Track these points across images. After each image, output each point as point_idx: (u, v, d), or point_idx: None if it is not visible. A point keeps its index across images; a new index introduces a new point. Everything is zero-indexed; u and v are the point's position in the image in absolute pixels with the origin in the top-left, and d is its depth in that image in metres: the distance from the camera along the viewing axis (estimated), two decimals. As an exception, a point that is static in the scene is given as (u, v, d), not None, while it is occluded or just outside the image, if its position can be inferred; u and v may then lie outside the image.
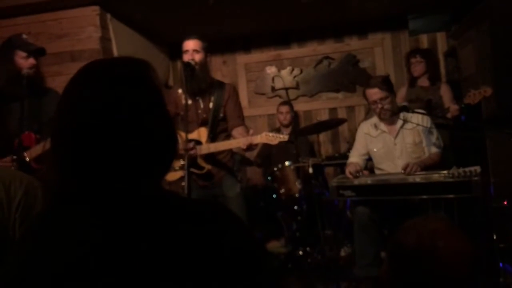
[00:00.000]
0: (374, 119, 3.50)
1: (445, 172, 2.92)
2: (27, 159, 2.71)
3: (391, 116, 3.34)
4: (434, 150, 3.34)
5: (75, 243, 0.81)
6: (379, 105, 3.28)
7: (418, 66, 4.25)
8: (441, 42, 5.28)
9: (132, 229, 0.81)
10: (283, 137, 2.93)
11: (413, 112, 3.30)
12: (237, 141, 3.01)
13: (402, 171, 3.09)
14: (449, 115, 3.68)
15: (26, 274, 0.82)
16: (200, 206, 0.89)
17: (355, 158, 3.54)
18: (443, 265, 1.00)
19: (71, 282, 0.78)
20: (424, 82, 4.24)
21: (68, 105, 0.87)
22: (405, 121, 3.34)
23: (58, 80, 3.53)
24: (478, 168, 2.77)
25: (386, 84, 3.30)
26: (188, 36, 3.15)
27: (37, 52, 2.89)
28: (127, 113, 0.84)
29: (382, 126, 3.43)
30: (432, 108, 3.97)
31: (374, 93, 3.28)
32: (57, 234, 0.84)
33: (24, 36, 2.91)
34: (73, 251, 0.80)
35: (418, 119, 3.35)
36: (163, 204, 0.87)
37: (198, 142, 3.08)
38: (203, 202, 0.92)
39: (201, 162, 3.09)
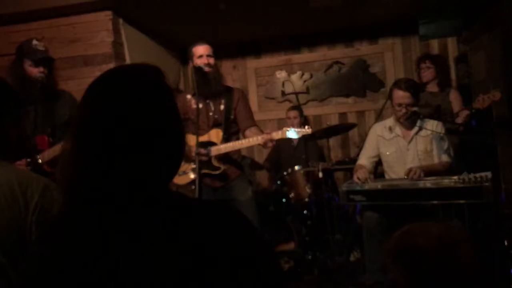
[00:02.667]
0: (389, 122, 3.47)
1: (455, 177, 2.90)
2: (40, 161, 2.74)
3: (409, 122, 3.32)
4: (445, 158, 3.30)
5: (89, 247, 0.82)
6: (404, 110, 3.25)
7: (427, 72, 4.23)
8: (452, 47, 5.26)
9: (146, 232, 0.82)
10: (306, 130, 2.94)
11: (424, 118, 3.29)
12: (255, 138, 3.01)
13: (405, 177, 3.08)
14: (458, 120, 3.67)
15: (41, 277, 0.84)
16: (211, 208, 0.91)
17: (364, 160, 3.52)
18: (464, 260, 1.01)
19: (85, 286, 0.80)
20: (433, 87, 4.23)
21: (86, 111, 0.90)
22: (420, 128, 3.32)
23: (71, 84, 3.57)
24: (489, 174, 2.76)
25: (417, 91, 3.27)
26: (198, 42, 3.19)
27: (44, 61, 2.86)
28: (144, 119, 0.87)
29: (397, 130, 3.40)
30: (441, 114, 3.95)
31: (404, 96, 3.23)
32: (72, 238, 0.85)
33: (35, 42, 2.88)
34: (88, 255, 0.82)
35: (432, 126, 3.33)
36: (176, 206, 0.88)
37: (212, 143, 3.09)
38: (214, 203, 0.94)
39: (215, 162, 3.10)
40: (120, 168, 0.86)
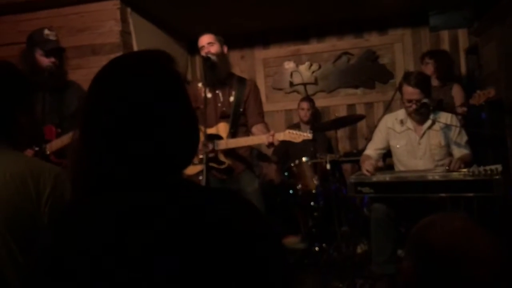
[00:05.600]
0: (401, 114, 3.41)
1: (465, 170, 2.87)
2: (48, 152, 2.74)
3: (420, 115, 3.26)
4: (465, 151, 3.25)
5: (98, 236, 0.82)
6: (414, 106, 3.19)
7: (426, 67, 4.26)
8: (463, 38, 5.19)
9: (156, 220, 0.82)
10: (307, 135, 2.93)
11: (436, 110, 3.26)
12: (259, 137, 3.02)
13: (447, 168, 3.01)
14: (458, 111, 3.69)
15: (49, 267, 0.84)
16: (222, 196, 0.90)
17: (371, 151, 3.48)
18: (474, 265, 0.99)
19: (95, 273, 0.79)
20: (433, 82, 4.22)
21: (96, 98, 0.89)
22: (433, 122, 3.27)
23: (79, 74, 3.56)
24: (499, 167, 2.73)
25: (427, 86, 3.21)
26: (200, 33, 3.21)
27: (54, 52, 2.85)
28: (154, 105, 0.86)
29: (409, 123, 3.34)
30: (442, 108, 3.94)
31: (413, 93, 3.16)
32: (80, 227, 0.85)
33: (46, 31, 2.87)
34: (97, 244, 0.81)
35: (447, 119, 3.28)
36: (186, 195, 0.88)
37: (219, 137, 3.09)
38: (225, 191, 0.93)
39: (221, 157, 3.10)
40: (130, 157, 0.85)
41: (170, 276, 0.77)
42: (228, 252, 0.79)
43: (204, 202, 0.86)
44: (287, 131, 2.96)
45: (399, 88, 3.32)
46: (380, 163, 3.30)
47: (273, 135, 2.91)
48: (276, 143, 2.94)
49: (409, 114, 3.29)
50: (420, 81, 3.17)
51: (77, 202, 0.91)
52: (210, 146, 2.99)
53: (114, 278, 0.78)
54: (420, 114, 3.25)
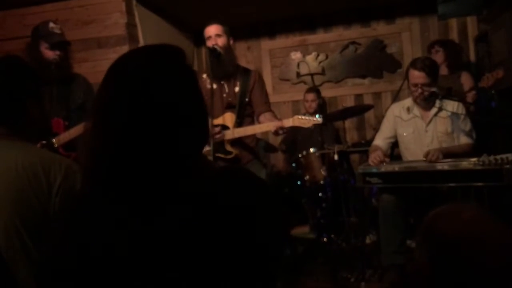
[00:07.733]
0: (407, 102, 3.40)
1: (475, 159, 2.84)
2: (56, 145, 2.75)
3: (427, 103, 3.25)
4: (465, 140, 3.24)
5: (108, 229, 0.82)
6: (419, 90, 3.18)
7: (437, 55, 4.24)
8: (472, 26, 5.13)
9: (165, 213, 0.82)
10: (317, 119, 2.91)
11: (443, 98, 3.22)
12: (267, 124, 3.00)
13: (424, 159, 3.02)
14: (468, 99, 3.66)
15: (59, 260, 0.84)
16: (231, 189, 0.90)
17: (379, 141, 3.47)
18: (486, 254, 0.98)
19: (102, 268, 0.79)
20: (443, 70, 4.21)
21: (110, 92, 0.89)
22: (440, 108, 3.25)
23: (85, 66, 3.58)
24: (510, 156, 2.69)
25: (434, 71, 3.19)
26: (208, 23, 3.16)
27: (59, 45, 2.86)
28: (168, 100, 0.87)
29: (416, 110, 3.33)
30: (451, 95, 3.92)
31: (419, 76, 3.15)
32: (91, 220, 0.85)
33: (51, 24, 2.88)
34: (108, 237, 0.81)
35: (453, 107, 3.26)
36: (196, 189, 0.87)
37: (225, 127, 3.08)
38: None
39: (228, 147, 3.09)
40: (142, 149, 0.84)
41: (177, 273, 0.78)
42: (230, 245, 0.80)
43: (214, 199, 0.86)
44: (296, 116, 2.93)
45: (406, 73, 3.31)
46: (387, 160, 3.27)
47: (281, 121, 2.89)
48: (284, 129, 2.92)
49: (415, 100, 3.28)
50: (427, 65, 3.15)
51: (86, 197, 0.91)
52: (217, 129, 2.97)
53: (119, 278, 0.79)
54: (429, 102, 3.23)
